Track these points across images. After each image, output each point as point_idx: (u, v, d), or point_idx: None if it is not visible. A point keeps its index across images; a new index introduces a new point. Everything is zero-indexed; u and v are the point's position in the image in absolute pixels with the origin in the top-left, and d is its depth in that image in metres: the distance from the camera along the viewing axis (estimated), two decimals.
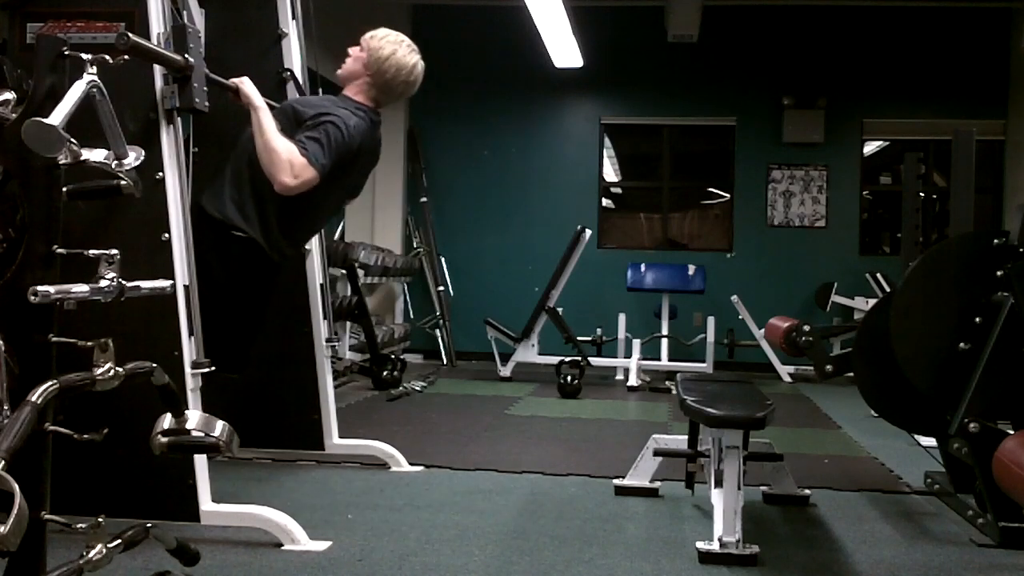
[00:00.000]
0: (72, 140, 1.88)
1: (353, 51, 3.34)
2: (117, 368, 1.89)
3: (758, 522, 3.22)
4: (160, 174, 2.74)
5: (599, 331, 7.72)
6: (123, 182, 2.08)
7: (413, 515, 3.17)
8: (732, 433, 2.83)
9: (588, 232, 7.32)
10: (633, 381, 6.98)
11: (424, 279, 8.64)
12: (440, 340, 8.49)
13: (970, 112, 8.17)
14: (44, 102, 1.92)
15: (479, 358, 8.09)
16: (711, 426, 2.90)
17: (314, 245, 3.80)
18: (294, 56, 3.77)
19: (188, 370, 2.73)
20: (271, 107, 3.15)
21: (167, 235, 2.74)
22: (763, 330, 6.34)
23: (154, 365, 2.01)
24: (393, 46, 3.30)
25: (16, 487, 1.53)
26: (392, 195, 8.78)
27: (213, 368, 2.81)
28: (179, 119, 2.83)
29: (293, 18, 3.80)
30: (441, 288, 8.56)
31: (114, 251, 1.93)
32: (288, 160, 2.96)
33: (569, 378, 6.53)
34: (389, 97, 3.36)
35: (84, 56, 1.99)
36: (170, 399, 2.10)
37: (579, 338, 7.19)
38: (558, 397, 6.42)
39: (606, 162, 9.03)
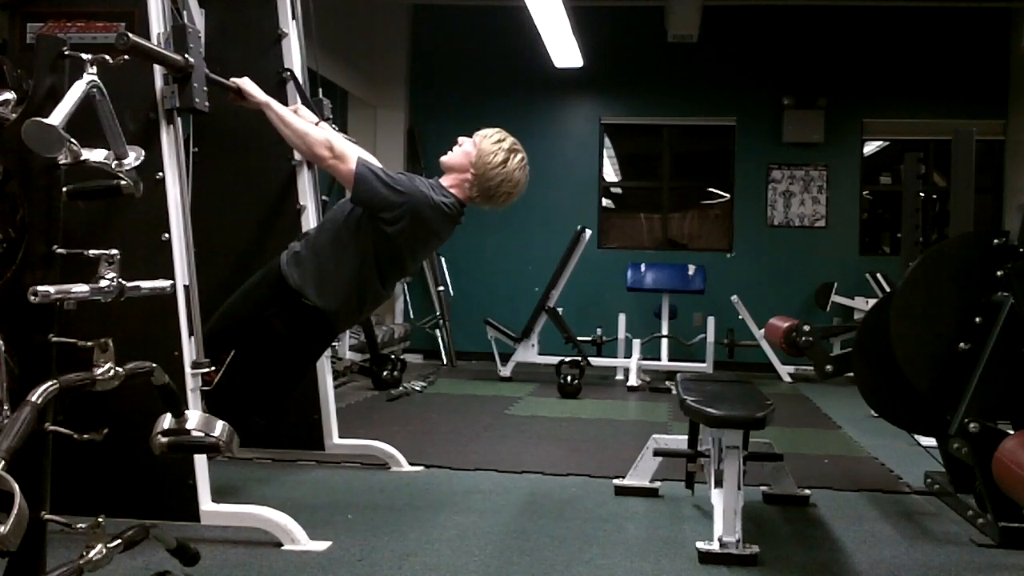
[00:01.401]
0: (72, 140, 1.88)
1: (463, 141, 3.21)
2: (117, 368, 1.89)
3: (758, 522, 3.23)
4: (160, 174, 2.74)
5: (599, 331, 7.72)
6: (123, 182, 2.08)
7: (413, 515, 3.18)
8: (732, 433, 2.83)
9: (588, 232, 7.32)
10: (633, 381, 6.98)
11: (424, 279, 8.63)
12: (440, 340, 8.48)
13: (970, 112, 8.17)
14: (44, 102, 1.92)
15: (479, 358, 8.09)
16: (711, 426, 2.91)
17: None
18: (294, 56, 3.76)
19: (188, 370, 2.73)
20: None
21: (167, 235, 2.75)
22: (763, 330, 6.34)
23: (154, 365, 2.01)
24: (506, 155, 3.14)
25: (16, 487, 1.53)
26: None
27: (241, 411, 2.84)
28: (179, 119, 2.83)
29: (293, 18, 3.80)
30: (441, 288, 8.55)
31: (114, 251, 1.94)
32: (325, 139, 3.01)
33: (569, 378, 6.53)
34: (486, 202, 3.21)
35: (84, 56, 1.99)
36: (170, 399, 2.10)
37: (579, 338, 7.19)
38: (558, 397, 6.42)
39: (606, 162, 9.03)
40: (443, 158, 3.21)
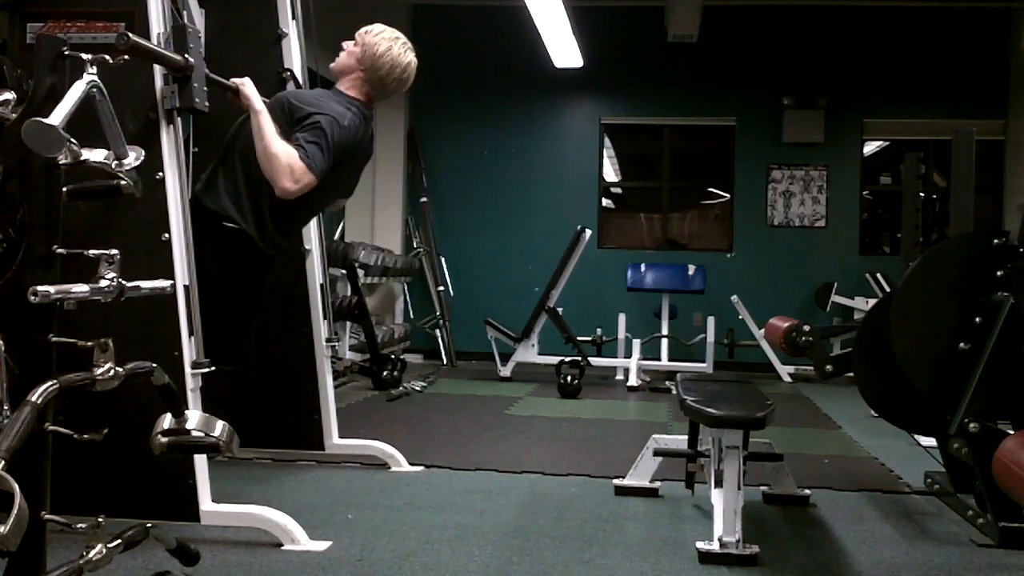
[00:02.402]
0: (72, 140, 1.88)
1: (347, 45, 3.33)
2: (117, 368, 1.89)
3: (758, 522, 3.22)
4: (160, 174, 2.74)
5: (599, 331, 7.72)
6: (123, 182, 2.08)
7: (413, 515, 3.18)
8: (732, 433, 2.83)
9: (588, 232, 7.32)
10: (633, 381, 6.98)
11: (424, 279, 8.64)
12: (440, 340, 8.49)
13: (970, 112, 8.17)
14: (44, 102, 1.92)
15: (479, 358, 8.09)
16: (711, 426, 2.90)
17: (314, 245, 3.80)
18: (294, 56, 3.77)
19: (188, 370, 2.73)
20: (265, 102, 3.15)
21: (167, 235, 2.74)
22: (763, 330, 6.34)
23: (154, 365, 2.01)
24: (388, 43, 3.29)
25: (16, 487, 1.53)
26: (392, 195, 8.78)
27: (209, 362, 2.81)
28: (179, 119, 2.83)
29: (293, 18, 3.80)
30: (441, 288, 8.56)
31: (114, 251, 1.94)
32: (288, 165, 2.96)
33: (569, 378, 6.53)
34: (382, 94, 3.35)
35: (84, 56, 1.99)
36: (170, 399, 2.10)
37: (579, 338, 7.19)
38: (558, 397, 6.42)
39: (606, 162, 9.03)
40: (332, 64, 3.35)
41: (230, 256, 3.11)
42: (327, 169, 3.04)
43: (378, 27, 3.34)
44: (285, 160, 2.96)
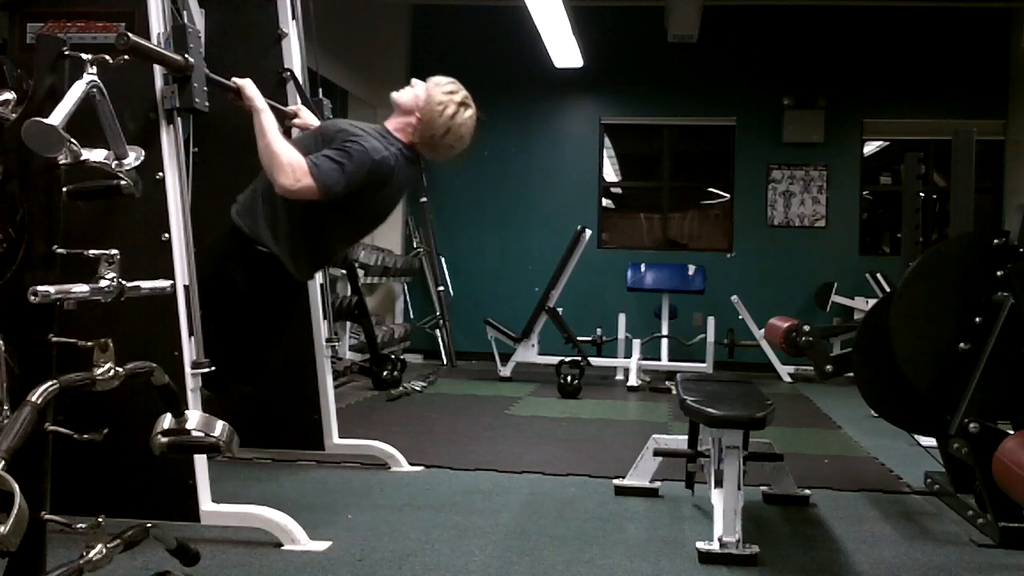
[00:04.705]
0: (72, 140, 1.88)
1: (416, 84, 3.18)
2: (117, 368, 1.89)
3: (758, 522, 3.23)
4: (160, 174, 2.74)
5: (599, 331, 7.72)
6: (123, 182, 2.08)
7: (413, 515, 3.18)
8: (732, 433, 2.83)
9: (588, 232, 7.32)
10: (633, 381, 6.98)
11: (424, 279, 8.64)
12: (440, 340, 8.48)
13: (970, 112, 8.17)
14: (44, 102, 1.92)
15: (479, 358, 8.09)
16: (711, 426, 2.91)
17: None
18: (294, 56, 3.77)
19: (188, 370, 2.73)
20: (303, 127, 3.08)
21: (167, 235, 2.75)
22: (763, 330, 6.34)
23: (154, 365, 2.01)
24: (456, 108, 3.13)
25: (16, 487, 1.53)
26: None
27: (223, 376, 2.81)
28: (179, 119, 2.83)
29: (293, 18, 3.80)
30: (441, 288, 8.55)
31: (114, 251, 1.94)
32: (289, 163, 2.90)
33: (569, 378, 6.53)
34: (427, 151, 3.20)
35: (84, 56, 2.00)
36: (170, 399, 2.11)
37: (579, 338, 7.19)
38: (558, 397, 6.42)
39: (606, 162, 9.03)
40: (394, 94, 3.18)
41: (262, 276, 3.04)
42: (338, 188, 2.92)
43: (452, 84, 3.19)
44: (287, 159, 2.91)
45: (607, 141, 8.99)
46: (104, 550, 1.89)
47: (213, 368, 2.80)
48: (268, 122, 3.00)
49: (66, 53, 1.97)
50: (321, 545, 2.77)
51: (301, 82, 3.74)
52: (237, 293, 2.90)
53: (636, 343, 7.30)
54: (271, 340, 3.21)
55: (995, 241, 3.15)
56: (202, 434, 2.14)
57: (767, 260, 8.53)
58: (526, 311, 7.34)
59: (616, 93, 8.85)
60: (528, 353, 7.23)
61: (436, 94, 3.13)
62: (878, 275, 7.77)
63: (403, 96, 3.17)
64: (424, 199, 8.70)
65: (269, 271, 3.03)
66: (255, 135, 3.00)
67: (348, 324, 6.44)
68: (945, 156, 4.89)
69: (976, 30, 8.39)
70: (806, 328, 3.73)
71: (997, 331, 3.02)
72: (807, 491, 3.53)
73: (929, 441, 3.64)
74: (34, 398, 1.72)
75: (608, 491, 3.56)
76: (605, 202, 9.04)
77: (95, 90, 2.00)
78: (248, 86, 3.08)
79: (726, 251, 8.69)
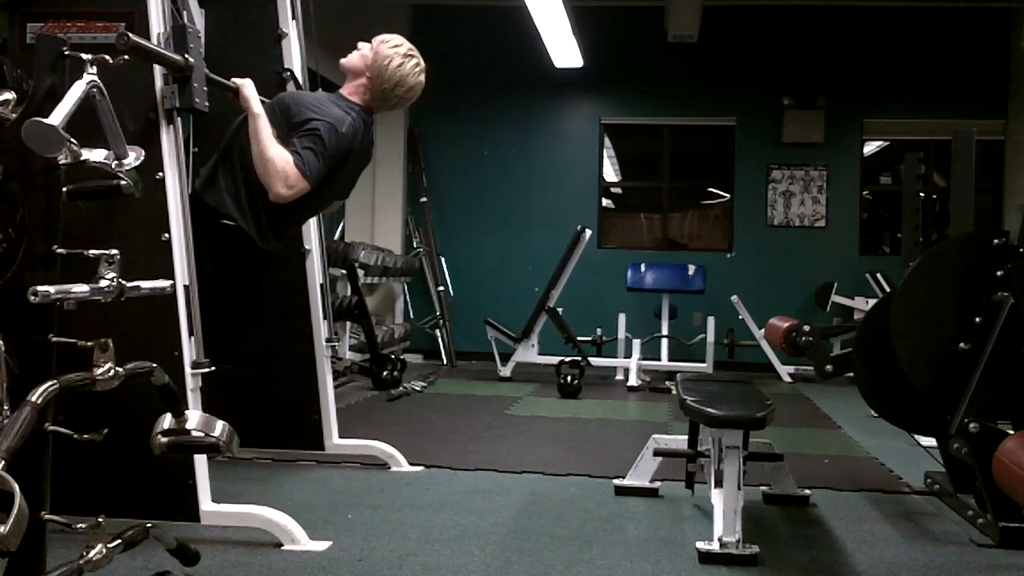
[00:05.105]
0: (72, 140, 1.88)
1: (362, 46, 3.30)
2: (117, 368, 1.89)
3: (758, 522, 3.22)
4: (160, 174, 2.74)
5: (599, 331, 7.72)
6: (123, 182, 2.08)
7: (413, 515, 3.17)
8: (732, 433, 2.83)
9: (588, 232, 7.32)
10: (633, 381, 6.98)
11: (424, 279, 8.64)
12: (440, 340, 8.48)
13: (970, 112, 8.16)
14: (44, 102, 1.92)
15: (479, 358, 8.09)
16: (711, 426, 2.91)
17: (314, 245, 3.80)
18: (294, 56, 3.77)
19: (188, 370, 2.73)
20: (263, 103, 3.14)
21: (167, 235, 2.75)
22: (763, 330, 6.34)
23: (154, 365, 2.01)
24: (401, 59, 3.24)
25: (16, 487, 1.53)
26: (392, 195, 8.78)
27: (209, 361, 2.81)
28: (179, 119, 2.83)
29: (293, 18, 3.80)
30: (441, 288, 8.56)
31: (114, 251, 1.94)
32: (283, 170, 2.96)
33: (569, 378, 6.53)
34: (382, 105, 3.32)
35: (84, 56, 2.00)
36: (170, 399, 2.10)
37: (579, 338, 7.19)
38: (558, 397, 6.42)
39: (606, 162, 9.03)
40: (342, 60, 3.32)
41: (228, 253, 3.10)
42: (321, 176, 3.04)
43: (395, 39, 3.31)
44: (280, 166, 2.97)
45: (607, 141, 8.99)
46: (104, 550, 1.89)
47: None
48: (263, 128, 3.03)
49: (66, 53, 1.97)
50: (321, 545, 2.77)
51: (301, 82, 3.74)
52: (204, 273, 2.90)
53: (636, 343, 7.30)
54: (244, 316, 3.26)
55: (995, 241, 3.15)
56: (202, 434, 2.14)
57: (767, 260, 8.54)
58: (526, 311, 7.34)
59: (616, 93, 8.85)
60: (528, 353, 7.23)
61: (382, 50, 3.26)
62: (878, 275, 7.77)
63: (351, 59, 3.31)
64: (424, 199, 8.70)
65: (235, 245, 3.08)
66: (250, 138, 3.02)
67: (348, 324, 6.44)
68: (945, 156, 4.88)
69: (976, 30, 8.39)
70: (806, 328, 3.73)
71: (997, 331, 3.02)
72: (807, 491, 3.53)
73: (929, 441, 3.64)
74: (34, 398, 1.72)
75: (608, 491, 3.56)
76: (605, 202, 9.05)
77: (95, 90, 2.00)
78: (247, 87, 3.09)
79: (726, 251, 8.69)
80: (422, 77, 3.32)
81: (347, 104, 3.24)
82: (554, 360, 6.82)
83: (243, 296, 3.26)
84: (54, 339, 1.89)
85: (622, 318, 7.64)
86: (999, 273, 3.06)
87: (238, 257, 3.14)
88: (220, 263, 3.07)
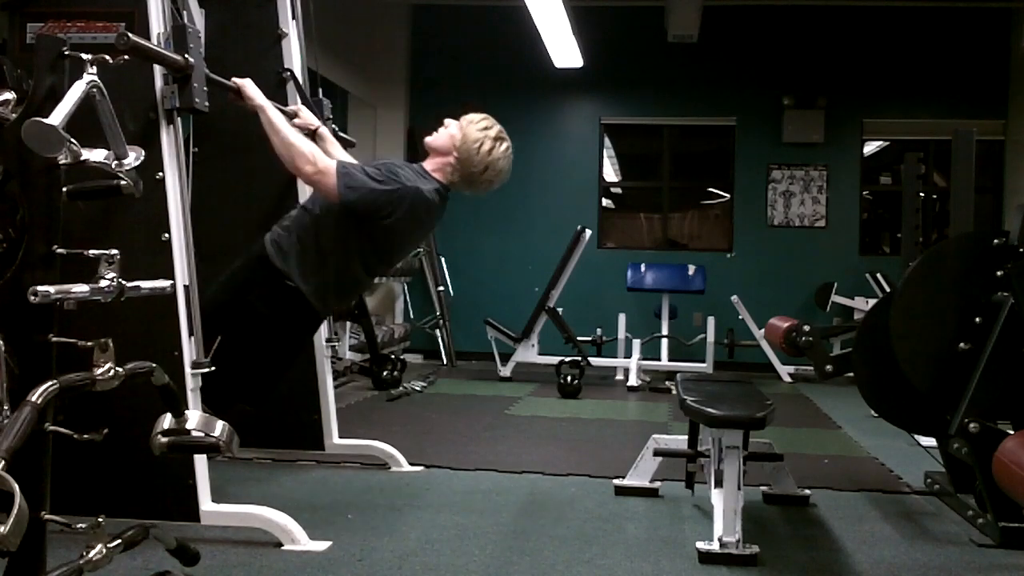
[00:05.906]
0: (72, 140, 1.88)
1: (449, 123, 3.20)
2: (117, 368, 1.89)
3: (758, 522, 3.22)
4: (160, 174, 2.74)
5: (599, 331, 7.72)
6: (123, 182, 2.08)
7: (413, 515, 3.18)
8: (732, 433, 2.83)
9: (588, 232, 7.32)
10: (633, 381, 6.98)
11: (424, 279, 8.63)
12: (440, 340, 8.48)
13: (970, 112, 8.17)
14: (44, 102, 1.92)
15: (479, 358, 8.09)
16: (711, 426, 2.91)
17: None
18: (294, 56, 3.77)
19: (188, 370, 2.73)
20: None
21: (167, 235, 2.75)
22: (763, 330, 6.34)
23: (154, 365, 2.01)
24: (492, 143, 3.13)
25: (16, 487, 1.53)
26: None
27: (227, 396, 2.82)
28: (179, 119, 2.83)
29: (293, 18, 3.80)
30: (441, 288, 8.55)
31: (114, 251, 1.94)
32: (310, 151, 2.94)
33: (569, 378, 6.53)
34: (467, 188, 3.20)
35: (84, 56, 1.99)
36: (170, 399, 2.10)
37: (579, 338, 7.19)
38: (558, 397, 6.42)
39: (606, 162, 9.03)
40: (428, 139, 3.22)
41: (285, 309, 3.02)
42: (354, 198, 2.91)
43: (485, 121, 3.18)
44: (307, 147, 2.95)
45: (607, 141, 9.00)
46: (104, 550, 1.89)
47: (219, 387, 2.82)
48: (276, 117, 3.01)
49: (66, 53, 1.97)
50: (321, 545, 2.77)
51: (301, 82, 3.74)
52: (257, 322, 2.92)
53: (636, 343, 7.30)
54: (283, 368, 3.20)
55: (995, 241, 3.15)
56: (202, 434, 2.14)
57: (767, 260, 8.54)
58: (526, 311, 7.34)
59: (616, 93, 8.86)
60: (528, 353, 7.23)
61: (471, 132, 3.14)
62: (878, 275, 7.78)
63: (438, 139, 3.19)
64: None
65: (292, 305, 3.02)
66: (265, 133, 2.99)
67: (348, 324, 6.44)
68: (945, 156, 4.88)
69: (976, 30, 8.39)
70: (806, 328, 3.73)
71: (997, 331, 3.02)
72: (807, 491, 3.53)
73: (929, 441, 3.64)
74: (34, 398, 1.72)
75: (608, 491, 3.56)
76: (605, 202, 9.05)
77: (95, 90, 2.00)
78: (248, 86, 3.08)
79: (726, 251, 8.69)
80: (509, 162, 3.19)
81: (429, 178, 3.13)
82: (554, 360, 6.82)
83: (286, 346, 3.18)
84: (54, 339, 1.89)
85: (622, 318, 7.64)
86: (999, 273, 3.06)
87: (293, 316, 3.06)
88: (275, 314, 3.00)
